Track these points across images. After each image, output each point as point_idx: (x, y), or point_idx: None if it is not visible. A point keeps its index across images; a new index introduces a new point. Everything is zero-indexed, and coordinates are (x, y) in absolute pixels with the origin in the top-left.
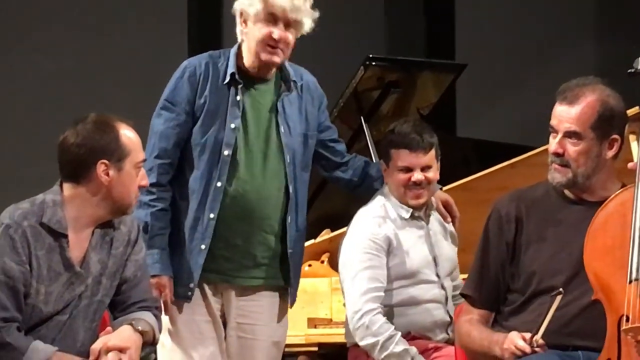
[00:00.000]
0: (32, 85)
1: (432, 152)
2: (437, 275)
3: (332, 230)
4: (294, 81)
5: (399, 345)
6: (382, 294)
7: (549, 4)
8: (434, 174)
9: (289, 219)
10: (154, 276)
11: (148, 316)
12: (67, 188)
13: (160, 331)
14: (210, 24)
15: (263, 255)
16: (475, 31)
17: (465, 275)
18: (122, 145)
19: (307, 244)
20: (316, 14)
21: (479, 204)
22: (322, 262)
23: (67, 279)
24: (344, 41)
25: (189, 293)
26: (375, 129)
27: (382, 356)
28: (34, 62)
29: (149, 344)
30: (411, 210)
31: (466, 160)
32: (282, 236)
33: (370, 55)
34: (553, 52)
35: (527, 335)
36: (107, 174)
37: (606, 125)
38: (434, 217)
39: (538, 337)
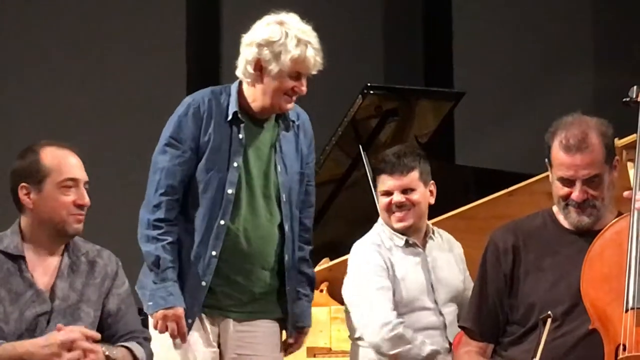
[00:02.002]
0: (30, 118)
1: (413, 174)
2: (435, 302)
3: (331, 259)
4: (292, 120)
5: (432, 347)
6: None
7: (547, 33)
8: (419, 196)
9: (286, 257)
10: (169, 308)
11: (131, 344)
12: (21, 220)
13: (149, 358)
14: (208, 57)
15: (260, 291)
16: (473, 59)
17: None
18: (41, 167)
19: None
20: (322, 59)
21: (477, 232)
22: (321, 291)
23: (29, 297)
24: (342, 69)
25: (189, 330)
26: (374, 157)
27: (424, 355)
28: (32, 91)
29: None
30: (405, 237)
31: (465, 188)
32: (279, 272)
33: (368, 84)
34: (551, 80)
35: None
36: (29, 197)
37: (611, 153)
38: (435, 242)
39: None
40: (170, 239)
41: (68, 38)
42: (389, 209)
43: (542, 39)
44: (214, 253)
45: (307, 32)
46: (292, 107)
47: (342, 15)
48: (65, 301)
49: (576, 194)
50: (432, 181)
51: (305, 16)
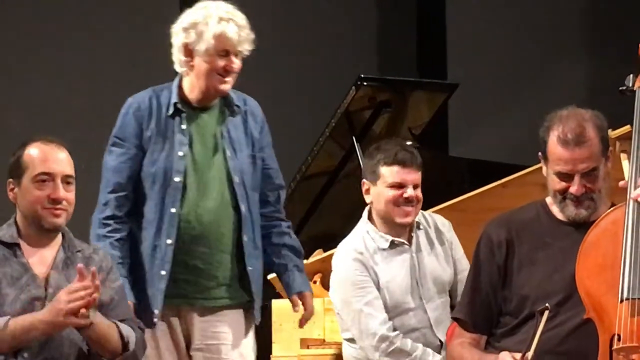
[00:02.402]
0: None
1: (420, 171)
2: (420, 299)
3: (325, 251)
4: (237, 106)
5: (435, 356)
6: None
7: (540, 24)
8: (421, 194)
9: (245, 238)
10: None
11: (120, 324)
12: (17, 214)
13: (141, 348)
14: None
15: (224, 275)
16: (467, 51)
17: None
18: (22, 162)
19: None
20: (253, 36)
21: (471, 224)
22: (315, 282)
23: (25, 281)
24: (335, 61)
25: (154, 320)
26: (367, 149)
27: None
28: (24, 87)
29: (122, 351)
30: (390, 239)
31: (458, 180)
32: (240, 255)
33: (362, 76)
34: (545, 71)
35: (518, 355)
36: (13, 192)
37: (606, 144)
38: (422, 233)
39: (529, 355)
40: (118, 235)
41: (60, 32)
42: (397, 202)
43: (535, 30)
44: (169, 241)
45: (230, 11)
46: (228, 88)
47: (336, 7)
48: (59, 289)
49: (575, 187)
50: None
51: (299, 8)
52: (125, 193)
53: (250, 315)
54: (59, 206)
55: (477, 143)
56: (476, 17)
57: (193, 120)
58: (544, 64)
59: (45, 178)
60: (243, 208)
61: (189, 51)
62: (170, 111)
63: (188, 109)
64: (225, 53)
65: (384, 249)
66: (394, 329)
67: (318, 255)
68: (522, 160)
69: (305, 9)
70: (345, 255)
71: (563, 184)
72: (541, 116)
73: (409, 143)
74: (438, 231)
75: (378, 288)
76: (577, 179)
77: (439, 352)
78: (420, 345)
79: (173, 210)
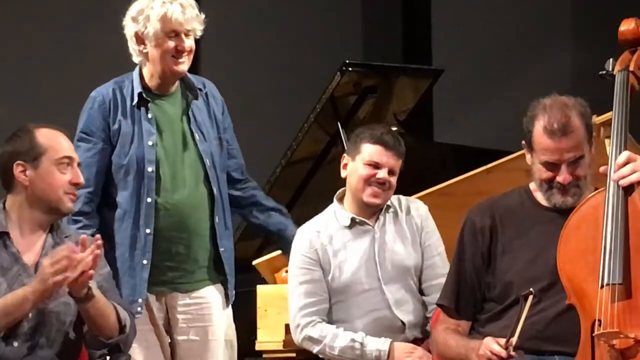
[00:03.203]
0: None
1: (400, 161)
2: (379, 280)
3: None
4: (199, 89)
5: (345, 338)
6: (324, 305)
7: (525, 10)
8: (394, 181)
9: (217, 219)
10: None
11: (120, 308)
12: (7, 200)
13: (133, 333)
14: None
15: (203, 257)
16: (451, 37)
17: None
18: (36, 144)
19: None
20: (203, 17)
21: (456, 209)
22: None
23: (16, 271)
24: (320, 46)
25: (139, 309)
26: (352, 134)
27: (336, 354)
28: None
29: (116, 333)
30: (351, 216)
31: (443, 165)
32: (213, 236)
33: (347, 61)
34: (529, 56)
35: (502, 340)
36: (25, 174)
37: (590, 131)
38: (389, 216)
39: (513, 340)
40: (89, 231)
41: (50, 21)
42: (369, 181)
43: (520, 16)
44: (147, 231)
45: None
46: (184, 68)
47: None
48: None
49: (562, 177)
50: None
51: None
52: (92, 189)
53: (225, 292)
54: (76, 191)
55: (461, 129)
56: (461, 3)
57: (158, 108)
58: (529, 50)
59: (67, 161)
60: (215, 190)
61: (140, 39)
62: (135, 101)
63: (152, 97)
64: (174, 33)
65: (345, 227)
66: (346, 313)
67: None
68: (506, 146)
69: None
70: (301, 233)
71: (549, 174)
72: (526, 102)
73: (394, 129)
74: (409, 215)
75: (328, 268)
76: (564, 168)
77: (403, 332)
78: (330, 330)
79: (149, 199)
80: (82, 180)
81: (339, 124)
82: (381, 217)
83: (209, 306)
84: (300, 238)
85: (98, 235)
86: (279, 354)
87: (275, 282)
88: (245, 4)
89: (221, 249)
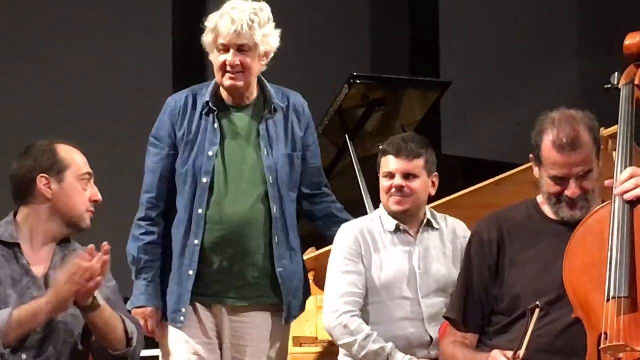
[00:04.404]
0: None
1: (419, 162)
2: (417, 293)
3: (318, 249)
4: (277, 103)
5: (376, 343)
6: (361, 300)
7: (532, 23)
8: (419, 185)
9: (275, 239)
10: (139, 307)
11: (128, 321)
12: (20, 212)
13: (141, 346)
14: (194, 57)
15: (253, 275)
16: (459, 49)
17: None
18: (60, 159)
19: None
20: (271, 28)
21: (464, 221)
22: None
23: (26, 284)
24: (329, 59)
25: (181, 318)
26: (360, 146)
27: (361, 355)
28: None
29: (123, 345)
30: (395, 222)
31: (451, 178)
32: (271, 256)
33: (355, 74)
34: (537, 69)
35: (510, 353)
36: (49, 188)
37: (599, 145)
38: (433, 233)
39: (521, 353)
40: (149, 239)
41: (55, 32)
42: (389, 191)
43: (528, 29)
44: (196, 242)
45: (237, 5)
46: (235, 84)
47: (329, 6)
48: None
49: (571, 191)
50: (436, 173)
51: (293, 7)
52: (156, 194)
53: (279, 315)
54: (93, 208)
55: (469, 141)
56: (469, 16)
57: (227, 119)
58: (536, 63)
59: (88, 178)
60: (274, 209)
61: (207, 48)
62: (205, 110)
63: (223, 108)
64: (224, 48)
65: (390, 232)
66: (378, 316)
67: (311, 253)
68: (514, 158)
69: (299, 7)
70: (346, 228)
71: (558, 188)
72: (533, 115)
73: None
74: (455, 235)
75: (369, 267)
76: (572, 182)
77: (427, 348)
78: (367, 329)
79: (200, 211)
80: (100, 197)
81: (347, 136)
82: (423, 231)
83: (252, 327)
84: (345, 232)
85: (105, 243)
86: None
87: None
88: None
89: (279, 269)
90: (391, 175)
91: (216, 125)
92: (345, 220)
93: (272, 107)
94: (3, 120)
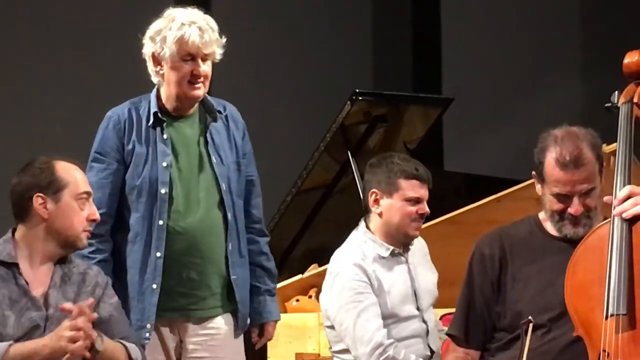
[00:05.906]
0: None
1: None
2: (419, 309)
3: (320, 265)
4: (219, 111)
5: None
6: None
7: (534, 39)
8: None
9: (229, 247)
10: None
11: (128, 344)
12: (18, 230)
13: None
14: None
15: (215, 284)
16: (461, 66)
17: (448, 310)
18: (57, 178)
19: (294, 279)
20: (223, 41)
21: (466, 237)
22: (310, 297)
23: (24, 304)
24: (330, 75)
25: (147, 334)
26: (362, 163)
27: None
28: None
29: None
30: (391, 248)
31: (453, 194)
32: (227, 264)
33: (357, 90)
34: (539, 86)
35: None
36: (45, 207)
37: (601, 162)
38: (413, 248)
39: None
40: (100, 256)
41: (57, 38)
42: (413, 216)
43: (529, 46)
44: (158, 254)
45: (193, 15)
46: (200, 94)
47: (331, 22)
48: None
49: (574, 208)
50: None
51: (294, 23)
52: (105, 210)
53: (236, 323)
54: (90, 228)
55: (472, 157)
56: (471, 32)
57: (174, 129)
58: (538, 79)
59: (86, 197)
60: (230, 216)
61: (157, 60)
62: (151, 121)
63: (168, 118)
64: (191, 57)
65: (383, 258)
66: (389, 337)
67: (313, 269)
68: (517, 174)
69: (301, 23)
70: (344, 261)
71: (561, 205)
72: (536, 131)
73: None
74: (421, 245)
75: (379, 294)
76: (575, 199)
77: None
78: (413, 356)
79: (161, 222)
80: (98, 216)
81: (349, 152)
82: (406, 250)
83: (220, 337)
84: (348, 268)
85: (91, 299)
86: None
87: (285, 311)
88: (256, 32)
89: (233, 277)
90: (418, 201)
91: (165, 136)
92: (270, 277)
93: (216, 114)
94: (6, 127)
